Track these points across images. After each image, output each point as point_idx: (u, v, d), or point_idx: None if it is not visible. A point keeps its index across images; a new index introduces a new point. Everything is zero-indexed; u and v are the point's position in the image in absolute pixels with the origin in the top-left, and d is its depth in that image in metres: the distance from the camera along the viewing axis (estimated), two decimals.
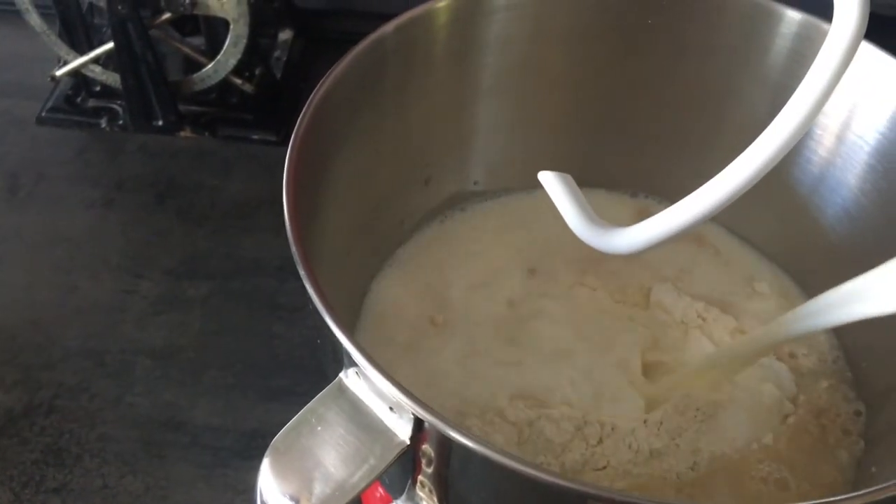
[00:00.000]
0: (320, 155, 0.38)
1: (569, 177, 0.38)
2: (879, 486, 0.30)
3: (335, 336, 0.31)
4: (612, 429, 0.42)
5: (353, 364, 0.31)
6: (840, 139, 0.43)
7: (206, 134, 0.70)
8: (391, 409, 0.31)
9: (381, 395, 0.31)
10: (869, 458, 0.42)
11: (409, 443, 0.30)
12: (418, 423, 0.30)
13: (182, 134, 0.70)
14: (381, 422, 0.31)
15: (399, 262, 0.49)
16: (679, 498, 0.41)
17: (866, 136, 0.42)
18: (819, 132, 0.44)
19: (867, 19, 0.30)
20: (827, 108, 0.43)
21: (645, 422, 0.43)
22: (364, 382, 0.31)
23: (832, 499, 0.29)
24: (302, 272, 0.32)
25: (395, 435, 0.31)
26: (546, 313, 0.47)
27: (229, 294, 0.61)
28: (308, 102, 0.37)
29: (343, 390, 0.32)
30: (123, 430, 0.54)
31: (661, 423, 0.43)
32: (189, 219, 0.65)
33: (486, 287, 0.48)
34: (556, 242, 0.50)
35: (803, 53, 0.41)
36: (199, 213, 0.66)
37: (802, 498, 0.41)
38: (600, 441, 0.42)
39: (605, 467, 0.42)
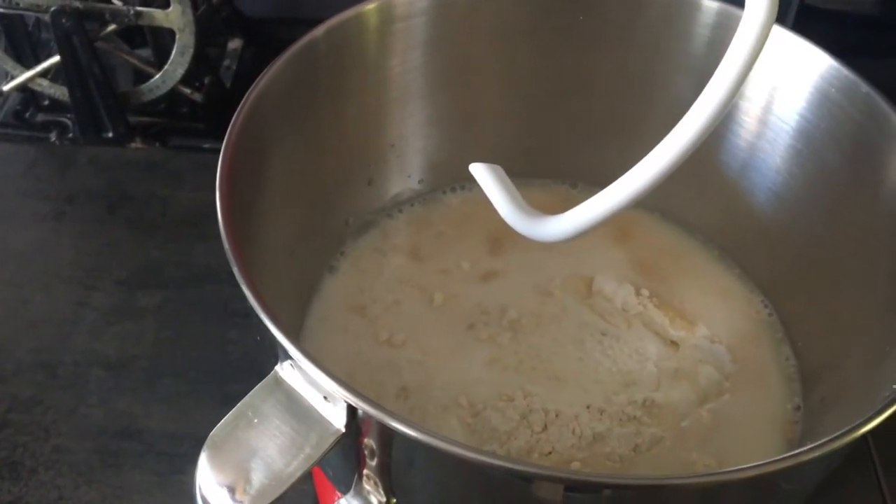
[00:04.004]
0: (256, 158, 0.39)
1: (499, 168, 0.38)
2: (804, 448, 0.31)
3: (268, 328, 0.31)
4: (557, 415, 0.43)
5: (288, 356, 0.31)
6: (763, 122, 0.44)
7: (157, 144, 0.71)
8: (325, 398, 0.31)
9: (315, 385, 0.31)
10: (805, 433, 0.43)
11: (343, 431, 0.31)
12: (351, 411, 0.31)
13: (132, 145, 0.70)
14: (317, 411, 0.31)
15: (345, 261, 0.50)
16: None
17: (788, 119, 0.43)
18: (742, 116, 0.45)
19: (777, 3, 0.31)
20: (748, 92, 0.45)
21: (588, 407, 0.44)
22: (298, 373, 0.32)
23: (763, 462, 0.30)
24: (235, 268, 0.33)
25: (330, 424, 0.31)
26: (491, 306, 0.48)
27: (182, 302, 0.61)
28: (240, 107, 0.37)
29: (279, 383, 0.32)
30: (78, 441, 0.54)
31: (604, 409, 0.44)
32: (141, 229, 0.65)
33: (432, 281, 0.49)
34: (501, 235, 0.51)
35: (722, 41, 0.43)
36: (151, 223, 0.66)
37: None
38: (545, 428, 0.43)
39: (550, 453, 0.42)
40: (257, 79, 0.38)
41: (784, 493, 0.36)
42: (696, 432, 0.43)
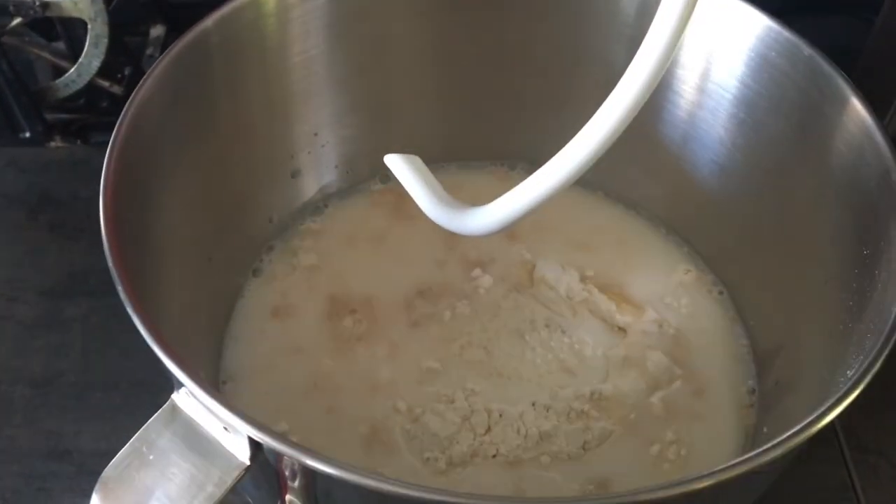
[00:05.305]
0: (150, 165, 0.36)
1: (416, 158, 0.36)
2: (766, 447, 0.29)
3: (154, 353, 0.28)
4: (501, 415, 0.41)
5: (182, 384, 0.28)
6: (702, 91, 0.42)
7: (78, 142, 0.67)
8: (226, 429, 0.28)
9: (215, 415, 0.28)
10: (761, 417, 0.41)
11: (249, 464, 0.28)
12: (255, 444, 0.28)
13: (52, 144, 0.66)
14: (218, 443, 0.29)
15: (270, 263, 0.47)
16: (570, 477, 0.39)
17: (728, 86, 0.41)
18: (680, 85, 0.43)
19: None
20: (684, 59, 0.42)
21: (533, 404, 0.41)
22: (196, 402, 0.29)
23: (721, 467, 0.28)
24: (118, 286, 0.30)
25: (233, 457, 0.28)
26: (427, 300, 0.46)
27: (111, 310, 0.57)
28: (121, 116, 0.35)
29: (176, 412, 0.29)
30: (3, 465, 0.51)
31: (550, 405, 0.41)
32: (64, 234, 0.62)
33: (364, 279, 0.46)
34: (434, 227, 0.48)
35: (654, 5, 0.40)
36: (75, 227, 0.62)
37: (697, 463, 0.40)
38: (489, 430, 0.41)
39: (495, 455, 0.40)
40: (140, 81, 0.35)
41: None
42: (647, 423, 0.41)
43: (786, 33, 0.39)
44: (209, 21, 0.38)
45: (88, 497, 0.50)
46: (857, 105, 0.36)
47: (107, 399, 0.54)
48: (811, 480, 0.50)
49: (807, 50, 0.38)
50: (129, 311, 0.29)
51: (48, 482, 0.51)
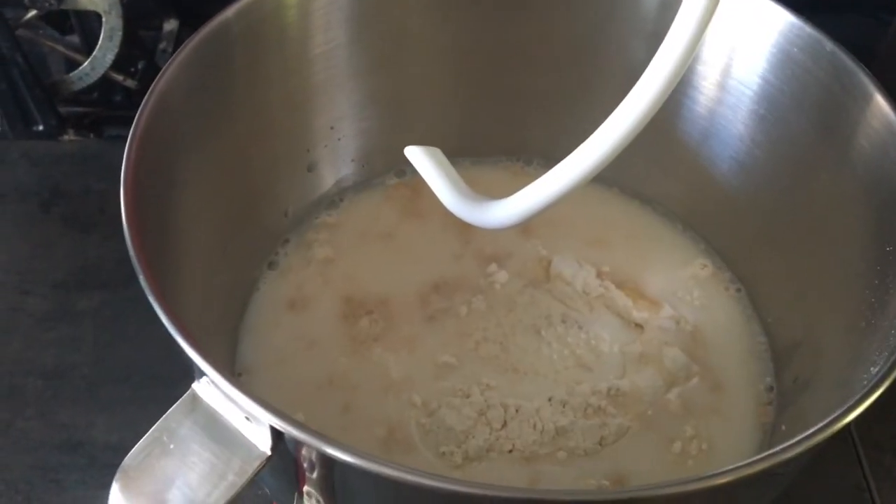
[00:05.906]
0: (168, 156, 0.36)
1: (437, 150, 0.36)
2: (788, 444, 0.29)
3: (178, 343, 0.28)
4: (517, 410, 0.41)
5: (203, 373, 0.28)
6: (723, 87, 0.42)
7: (91, 135, 0.67)
8: (247, 418, 0.28)
9: (236, 404, 0.28)
10: (779, 415, 0.41)
11: (269, 454, 0.28)
12: (277, 433, 0.28)
13: (66, 137, 0.66)
14: (239, 433, 0.28)
15: (285, 256, 0.47)
16: (586, 473, 0.39)
17: (749, 82, 0.41)
18: (700, 81, 0.42)
19: None
20: (705, 55, 0.42)
21: (550, 400, 0.41)
22: (217, 391, 0.29)
23: (740, 464, 0.28)
24: (140, 275, 0.29)
25: (254, 446, 0.28)
26: (443, 294, 0.45)
27: (123, 303, 0.58)
28: (142, 106, 0.35)
29: (197, 402, 0.29)
30: (16, 456, 0.51)
31: (567, 401, 0.41)
32: (77, 227, 0.62)
33: (378, 275, 0.46)
34: (450, 222, 0.48)
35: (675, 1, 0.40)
36: (88, 220, 0.62)
37: (715, 461, 0.40)
38: (504, 424, 0.40)
39: (511, 451, 0.40)
40: (160, 71, 0.35)
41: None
42: (664, 420, 0.41)
43: (808, 29, 0.38)
44: (230, 11, 0.38)
45: (101, 489, 0.50)
46: (880, 101, 0.36)
47: (118, 392, 0.54)
48: (825, 480, 0.49)
49: (829, 46, 0.38)
50: (152, 300, 0.29)
51: (60, 474, 0.50)
